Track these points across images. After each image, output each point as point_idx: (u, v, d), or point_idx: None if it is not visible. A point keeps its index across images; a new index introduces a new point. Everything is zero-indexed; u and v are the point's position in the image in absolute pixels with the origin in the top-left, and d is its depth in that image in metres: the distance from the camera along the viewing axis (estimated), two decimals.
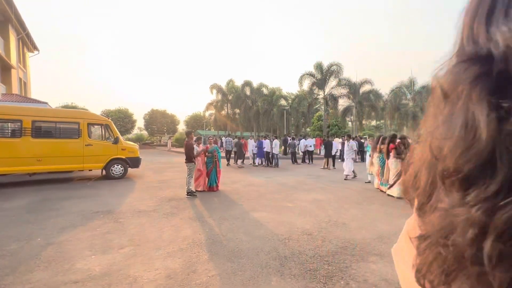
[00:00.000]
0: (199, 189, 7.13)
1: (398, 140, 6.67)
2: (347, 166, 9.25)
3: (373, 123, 45.08)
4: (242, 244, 3.52)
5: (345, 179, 9.06)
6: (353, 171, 9.37)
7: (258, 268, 2.87)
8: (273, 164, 13.00)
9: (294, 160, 15.07)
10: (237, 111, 33.43)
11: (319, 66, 24.06)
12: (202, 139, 7.64)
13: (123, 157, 9.38)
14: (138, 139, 35.30)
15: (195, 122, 44.90)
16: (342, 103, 26.52)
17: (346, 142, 9.79)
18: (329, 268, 2.86)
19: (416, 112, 27.10)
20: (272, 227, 4.22)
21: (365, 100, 25.40)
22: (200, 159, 7.17)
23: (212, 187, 7.24)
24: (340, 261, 3.03)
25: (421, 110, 27.06)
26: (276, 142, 12.96)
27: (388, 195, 6.54)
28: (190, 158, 6.67)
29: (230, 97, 32.64)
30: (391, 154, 6.50)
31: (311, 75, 24.51)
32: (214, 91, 32.74)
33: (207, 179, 7.32)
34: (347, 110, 27.18)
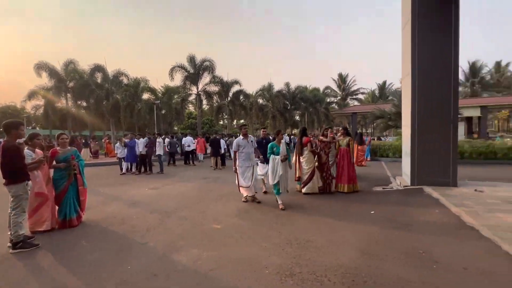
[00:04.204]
0: (42, 230, 3.90)
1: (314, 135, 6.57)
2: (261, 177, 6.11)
3: (234, 122, 48.53)
4: None
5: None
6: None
7: None
8: (160, 169, 10.12)
9: (173, 162, 12.87)
10: (84, 103, 25.51)
11: (192, 60, 22.44)
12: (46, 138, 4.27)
13: None
14: None
15: (6, 118, 30.47)
16: (216, 101, 26.34)
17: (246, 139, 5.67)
18: None
19: (275, 113, 31.36)
20: (229, 276, 2.49)
21: (236, 99, 26.44)
22: (41, 174, 3.93)
23: (69, 220, 4.18)
24: None
25: (278, 111, 31.63)
26: (160, 141, 10.27)
27: (304, 193, 6.13)
28: (15, 174, 3.38)
29: (70, 84, 24.30)
30: (307, 148, 6.17)
31: (183, 68, 22.45)
32: (44, 74, 23.14)
33: (56, 207, 4.17)
34: (220, 108, 27.29)
